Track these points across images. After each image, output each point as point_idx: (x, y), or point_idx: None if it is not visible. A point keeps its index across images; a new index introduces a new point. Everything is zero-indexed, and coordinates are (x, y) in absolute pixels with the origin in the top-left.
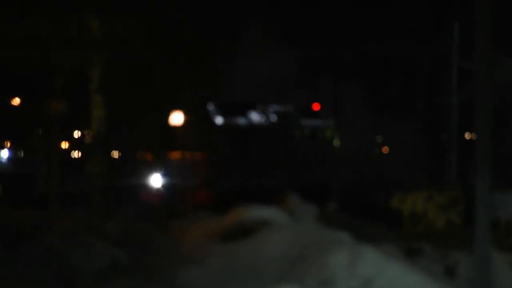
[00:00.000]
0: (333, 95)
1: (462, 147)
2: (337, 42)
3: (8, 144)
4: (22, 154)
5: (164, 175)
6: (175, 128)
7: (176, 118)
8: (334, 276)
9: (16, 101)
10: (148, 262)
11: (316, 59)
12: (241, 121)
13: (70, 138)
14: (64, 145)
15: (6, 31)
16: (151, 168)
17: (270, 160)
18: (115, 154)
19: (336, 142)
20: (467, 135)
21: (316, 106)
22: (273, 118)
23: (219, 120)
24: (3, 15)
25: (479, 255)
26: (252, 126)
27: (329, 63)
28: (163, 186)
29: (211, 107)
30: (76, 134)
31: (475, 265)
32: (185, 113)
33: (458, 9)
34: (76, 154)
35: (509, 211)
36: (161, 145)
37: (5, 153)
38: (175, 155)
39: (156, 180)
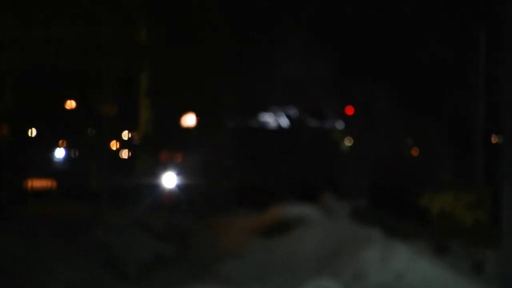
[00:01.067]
0: (366, 100)
1: (489, 149)
2: (372, 49)
3: (64, 144)
4: (76, 153)
5: (204, 174)
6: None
7: (189, 120)
8: (367, 270)
9: (71, 104)
10: (191, 255)
11: (351, 64)
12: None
13: (120, 139)
14: (115, 145)
15: (61, 38)
16: (190, 167)
17: (302, 161)
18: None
19: (343, 145)
20: (493, 138)
21: (349, 110)
22: (285, 120)
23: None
24: (60, 23)
25: (505, 251)
26: (280, 129)
27: (364, 69)
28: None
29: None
30: (126, 135)
31: (502, 262)
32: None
33: (486, 20)
34: (125, 153)
35: None
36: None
37: (61, 152)
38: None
39: (175, 179)
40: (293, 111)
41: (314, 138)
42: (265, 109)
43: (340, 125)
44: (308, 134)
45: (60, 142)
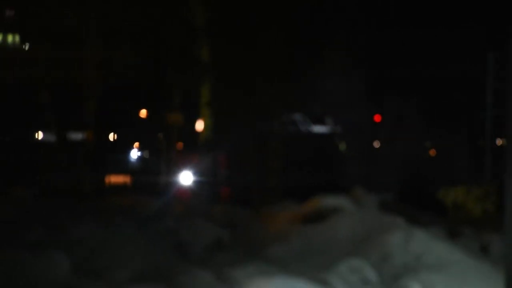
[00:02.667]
0: (394, 109)
1: (495, 151)
2: (398, 66)
3: (137, 146)
4: (148, 154)
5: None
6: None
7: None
8: (391, 252)
9: (143, 113)
10: (244, 240)
11: (380, 79)
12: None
13: (184, 142)
14: (179, 147)
15: (137, 57)
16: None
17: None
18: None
19: (341, 147)
20: (498, 141)
21: (377, 118)
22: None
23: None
24: (135, 44)
25: (508, 235)
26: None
27: (391, 82)
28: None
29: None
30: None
31: (505, 244)
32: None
33: (495, 42)
34: (189, 155)
35: None
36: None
37: (135, 153)
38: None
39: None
40: (301, 117)
41: (329, 142)
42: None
43: (338, 130)
44: (328, 138)
45: (135, 144)
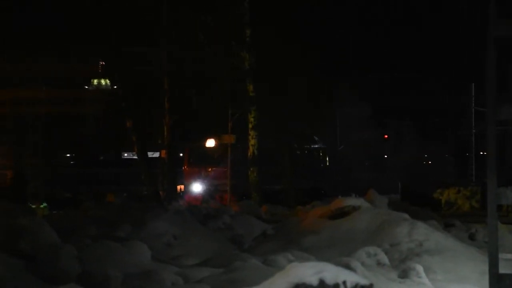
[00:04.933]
0: (397, 129)
1: (479, 160)
2: (399, 97)
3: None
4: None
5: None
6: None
7: (210, 143)
8: (399, 240)
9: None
10: (285, 233)
11: (386, 107)
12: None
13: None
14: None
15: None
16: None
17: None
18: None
19: (326, 160)
20: (481, 153)
21: (385, 136)
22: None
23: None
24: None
25: (490, 226)
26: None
27: (393, 109)
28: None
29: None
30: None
31: (488, 232)
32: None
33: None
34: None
35: (508, 199)
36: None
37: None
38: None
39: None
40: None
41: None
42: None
43: (321, 145)
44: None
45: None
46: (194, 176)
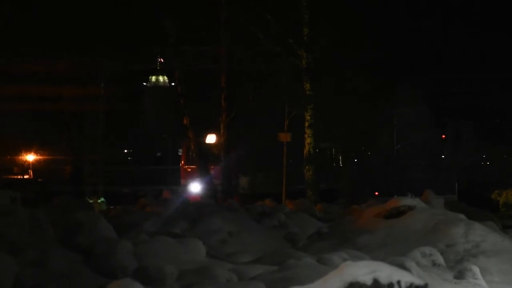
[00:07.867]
0: (457, 130)
1: None
2: (458, 97)
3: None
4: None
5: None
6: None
7: (210, 139)
8: (455, 241)
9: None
10: (339, 232)
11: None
12: None
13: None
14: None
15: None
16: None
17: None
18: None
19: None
20: None
21: (443, 136)
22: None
23: None
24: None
25: None
26: None
27: (453, 110)
28: None
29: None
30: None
31: None
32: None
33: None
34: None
35: None
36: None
37: None
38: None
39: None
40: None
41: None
42: None
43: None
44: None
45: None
46: (192, 175)
